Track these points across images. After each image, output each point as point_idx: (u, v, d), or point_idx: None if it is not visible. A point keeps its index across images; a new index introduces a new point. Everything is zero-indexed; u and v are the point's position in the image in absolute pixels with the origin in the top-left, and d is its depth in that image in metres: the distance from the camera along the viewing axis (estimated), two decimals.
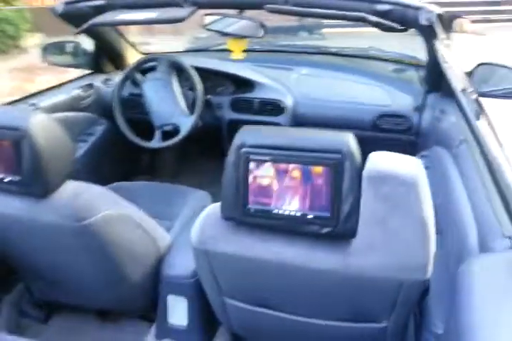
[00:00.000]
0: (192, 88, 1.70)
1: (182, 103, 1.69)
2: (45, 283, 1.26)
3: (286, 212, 0.75)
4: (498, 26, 8.35)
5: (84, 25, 1.36)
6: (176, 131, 1.69)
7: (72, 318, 1.38)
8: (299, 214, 0.75)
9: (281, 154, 0.73)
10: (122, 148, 1.78)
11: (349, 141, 0.72)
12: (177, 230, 1.41)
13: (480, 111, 1.16)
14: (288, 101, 1.72)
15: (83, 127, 1.82)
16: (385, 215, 0.71)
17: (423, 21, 1.08)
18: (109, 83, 1.92)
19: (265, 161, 0.74)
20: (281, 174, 0.74)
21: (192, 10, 1.24)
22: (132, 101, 1.85)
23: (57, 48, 1.92)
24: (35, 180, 0.91)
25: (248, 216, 0.78)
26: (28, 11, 6.67)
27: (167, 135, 1.72)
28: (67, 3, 1.42)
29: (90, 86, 1.86)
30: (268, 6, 1.18)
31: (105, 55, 1.92)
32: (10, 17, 6.45)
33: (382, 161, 0.72)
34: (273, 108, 1.72)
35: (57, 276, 1.20)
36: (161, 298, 1.15)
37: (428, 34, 1.20)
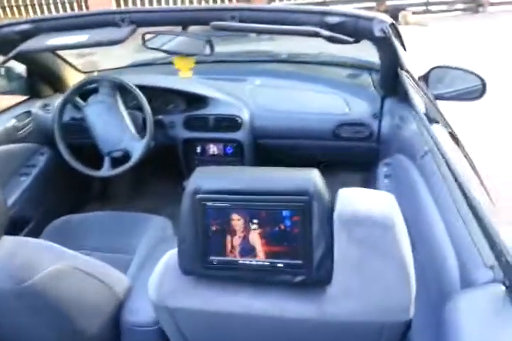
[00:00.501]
0: (139, 108, 1.59)
1: (130, 126, 1.57)
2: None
3: (254, 262, 0.67)
4: (438, 17, 8.65)
5: (10, 54, 1.22)
6: (126, 156, 1.57)
7: None
8: (267, 263, 0.67)
9: (241, 199, 0.65)
10: (69, 177, 1.65)
11: (315, 178, 0.65)
12: (136, 266, 1.31)
13: (438, 116, 1.13)
14: (244, 116, 1.64)
15: (23, 159, 1.68)
16: (360, 259, 0.64)
17: (377, 33, 1.03)
18: (48, 108, 1.77)
19: (224, 208, 0.66)
20: (244, 221, 0.66)
21: (131, 29, 1.14)
22: (75, 126, 1.71)
23: None
24: None
25: (210, 269, 0.69)
26: None
27: (117, 161, 1.61)
28: None
29: (28, 113, 1.71)
30: (214, 23, 1.09)
31: (41, 79, 1.77)
32: None
33: (353, 200, 0.66)
34: (229, 124, 1.64)
35: (7, 338, 1.07)
36: None
37: (383, 44, 1.15)
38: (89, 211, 2.03)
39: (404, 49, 1.25)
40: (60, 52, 1.78)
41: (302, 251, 0.65)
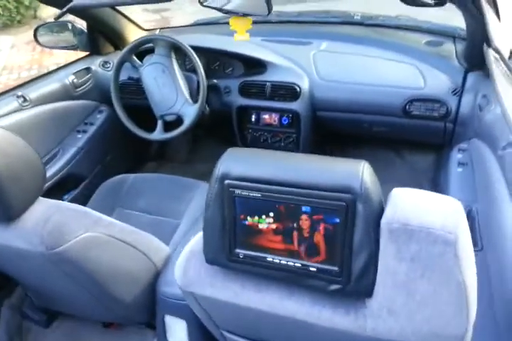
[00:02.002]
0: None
1: (185, 90, 1.50)
2: (40, 294, 1.19)
3: (284, 261, 0.59)
4: None
5: (64, 9, 1.17)
6: (179, 120, 1.52)
7: (75, 323, 1.32)
8: (299, 264, 0.59)
9: (274, 190, 0.56)
10: (127, 137, 1.64)
11: (364, 173, 0.54)
12: (182, 232, 1.30)
13: None
14: (304, 85, 1.51)
15: (81, 116, 1.69)
16: (410, 277, 0.54)
17: None
18: (107, 66, 1.75)
19: (255, 198, 0.58)
20: (275, 214, 0.57)
21: None
22: (132, 86, 1.68)
23: (51, 29, 1.76)
24: None
25: (235, 262, 0.63)
26: None
27: (171, 124, 1.56)
28: None
29: (87, 70, 1.70)
30: None
31: (102, 35, 1.74)
32: None
33: (408, 205, 0.54)
34: (287, 93, 1.52)
35: (50, 292, 1.11)
36: (158, 317, 1.04)
37: (470, 9, 0.96)
38: (145, 171, 2.06)
39: (498, 18, 1.04)
40: (133, 8, 1.73)
41: (340, 257, 0.56)
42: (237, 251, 0.61)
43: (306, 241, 0.57)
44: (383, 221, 0.53)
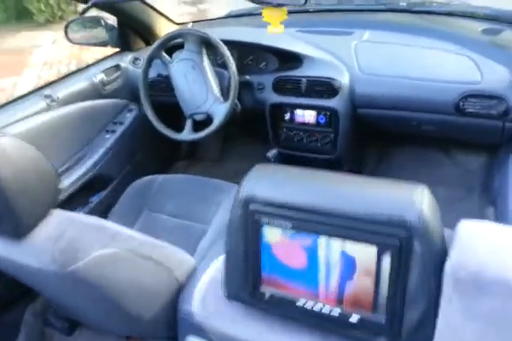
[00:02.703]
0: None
1: (215, 87, 1.42)
2: (61, 305, 1.14)
3: (317, 307, 0.50)
4: None
5: (88, 4, 1.11)
6: (209, 119, 1.44)
7: (97, 333, 1.27)
8: (336, 313, 0.49)
9: (310, 220, 0.46)
10: (157, 135, 1.56)
11: (423, 203, 0.43)
12: (209, 240, 1.23)
13: None
14: (344, 80, 1.38)
15: (110, 116, 1.63)
16: (481, 337, 0.42)
17: None
18: (138, 63, 1.69)
19: (285, 228, 0.48)
20: (309, 249, 0.48)
21: None
22: (162, 83, 1.61)
23: (82, 25, 1.71)
24: (5, 219, 0.73)
25: (261, 302, 0.53)
26: None
27: (200, 123, 1.49)
28: None
29: (117, 67, 1.65)
30: None
31: (132, 31, 1.67)
32: None
33: (480, 248, 0.42)
34: (325, 89, 1.40)
35: (67, 306, 1.06)
36: (180, 336, 0.96)
37: None
38: (176, 170, 2.00)
39: None
40: (170, 1, 1.66)
41: (389, 307, 0.46)
42: (262, 289, 0.52)
43: (347, 284, 0.47)
44: (447, 266, 0.42)
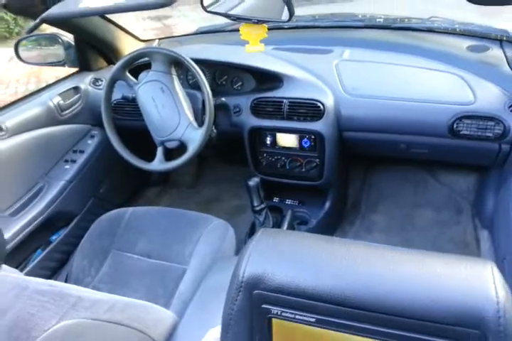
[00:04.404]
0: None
1: (188, 111, 1.28)
2: None
3: None
4: None
5: (37, 20, 0.96)
6: (183, 146, 1.30)
7: None
8: None
9: (339, 314, 0.33)
10: (124, 161, 1.41)
11: (498, 292, 0.31)
12: (188, 285, 1.08)
13: None
14: (328, 101, 1.28)
15: (69, 144, 1.47)
16: None
17: None
18: (99, 84, 1.53)
19: (306, 324, 0.35)
20: None
21: None
22: (127, 106, 1.47)
23: (36, 42, 1.55)
24: None
25: None
26: None
27: (172, 151, 1.34)
28: None
29: (76, 90, 1.49)
30: None
31: (92, 49, 1.52)
32: None
33: None
34: (308, 111, 1.29)
35: None
36: None
37: None
38: (147, 199, 1.85)
39: None
40: (133, 16, 1.52)
41: None
42: None
43: None
44: None
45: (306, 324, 0.34)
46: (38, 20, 0.96)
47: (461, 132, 1.17)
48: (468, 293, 0.32)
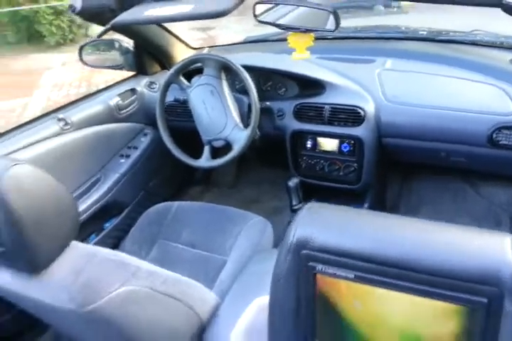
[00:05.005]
0: (247, 91, 1.38)
1: (235, 113, 1.37)
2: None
3: None
4: None
5: (107, 26, 1.07)
6: (228, 146, 1.38)
7: None
8: None
9: (376, 271, 0.40)
10: (173, 160, 1.51)
11: None
12: (228, 274, 1.16)
13: None
14: (369, 108, 1.33)
15: (125, 140, 1.59)
16: None
17: None
18: (153, 87, 1.65)
19: (345, 279, 0.41)
20: (373, 305, 0.41)
21: (237, 0, 0.91)
22: (179, 108, 1.58)
23: (95, 48, 1.69)
24: (20, 253, 0.66)
25: None
26: None
27: (219, 150, 1.43)
28: None
29: (133, 91, 1.61)
30: None
31: (148, 54, 1.65)
32: None
33: None
34: (349, 116, 1.35)
35: None
36: None
37: None
38: (190, 196, 1.95)
39: None
40: (179, 27, 1.65)
41: None
42: None
43: None
44: None
45: (346, 279, 0.41)
46: (108, 26, 1.08)
47: (500, 142, 1.20)
48: (489, 257, 0.38)
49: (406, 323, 0.40)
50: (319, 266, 0.42)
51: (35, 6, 6.41)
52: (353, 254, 0.41)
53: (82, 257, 0.72)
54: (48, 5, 6.50)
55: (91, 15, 1.20)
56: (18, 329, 1.18)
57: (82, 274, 0.69)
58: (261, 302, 0.58)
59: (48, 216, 0.67)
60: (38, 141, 1.25)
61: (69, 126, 1.34)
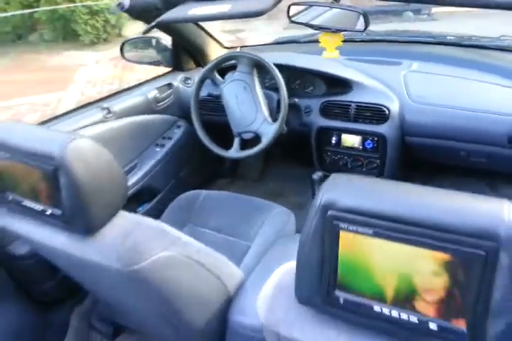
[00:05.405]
0: (276, 88, 1.46)
1: (264, 108, 1.45)
2: (110, 308, 1.18)
3: (395, 313, 0.49)
4: None
5: (152, 23, 1.17)
6: (256, 139, 1.47)
7: (140, 340, 1.29)
8: (414, 319, 0.49)
9: (390, 228, 0.47)
10: (203, 152, 1.62)
11: (510, 216, 0.43)
12: (252, 256, 1.24)
13: None
14: (394, 107, 1.39)
15: (160, 131, 1.69)
16: None
17: None
18: (188, 82, 1.76)
19: (365, 234, 0.49)
20: (389, 256, 0.48)
21: (274, 0, 0.99)
22: (212, 103, 1.67)
23: (135, 45, 1.80)
24: (77, 216, 0.75)
25: (334, 306, 0.53)
26: None
27: (247, 143, 1.52)
28: None
29: (169, 86, 1.72)
30: None
31: (185, 52, 1.75)
32: (112, 7, 6.73)
33: None
34: (374, 114, 1.41)
35: (120, 308, 1.08)
36: None
37: None
38: (217, 187, 2.04)
39: None
40: (210, 28, 1.74)
41: (471, 316, 0.45)
42: (337, 294, 0.52)
43: (427, 292, 0.47)
44: None
45: (366, 235, 0.48)
46: (154, 23, 1.17)
47: None
48: (489, 216, 0.44)
49: (410, 272, 0.47)
50: (343, 225, 0.50)
51: (71, 5, 6.65)
52: (372, 214, 0.48)
53: (129, 223, 0.80)
54: (84, 4, 6.74)
55: (137, 13, 1.30)
56: (60, 296, 1.28)
57: (129, 238, 0.77)
58: (287, 266, 0.65)
59: (103, 185, 0.76)
60: (82, 127, 1.35)
61: (111, 115, 1.44)
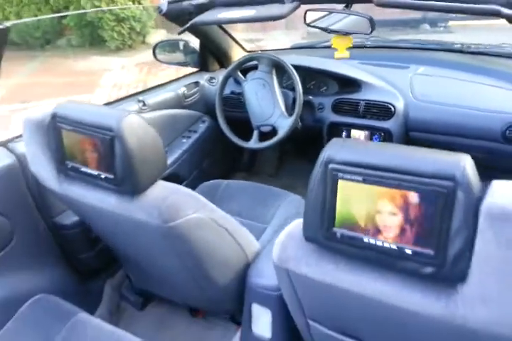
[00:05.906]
0: (293, 88, 1.62)
1: (281, 104, 1.61)
2: (141, 273, 1.31)
3: (379, 243, 0.64)
4: None
5: (187, 25, 1.35)
6: (274, 132, 1.62)
7: (166, 309, 1.44)
8: (394, 246, 0.63)
9: (376, 175, 0.61)
10: (223, 146, 1.77)
11: (465, 165, 0.57)
12: (268, 236, 1.37)
13: None
14: (399, 104, 1.54)
15: (187, 124, 1.86)
16: (506, 262, 0.55)
17: None
18: (213, 81, 1.93)
19: (357, 181, 0.63)
20: (375, 199, 0.62)
21: (294, 6, 1.15)
22: (233, 100, 1.84)
23: (168, 47, 1.98)
24: (127, 179, 0.90)
25: (333, 240, 0.68)
26: (153, 9, 7.15)
27: (265, 136, 1.67)
28: (170, 2, 1.43)
29: (196, 84, 1.89)
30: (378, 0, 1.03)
31: (211, 54, 1.93)
32: (137, 15, 7.01)
33: (507, 193, 0.56)
34: (381, 111, 1.56)
35: (151, 270, 1.23)
36: (246, 305, 1.10)
37: None
38: (236, 178, 2.19)
39: None
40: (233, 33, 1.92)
41: (436, 241, 0.59)
42: (335, 230, 0.67)
43: (404, 224, 0.61)
44: (482, 207, 0.55)
45: (357, 181, 0.63)
46: (187, 25, 1.35)
47: None
48: (449, 162, 0.58)
49: (381, 207, 0.62)
50: (340, 174, 0.64)
51: (99, 9, 6.90)
52: (362, 165, 0.62)
53: (167, 189, 0.96)
54: (111, 8, 6.97)
55: (173, 16, 1.48)
56: (96, 266, 1.44)
57: (168, 199, 0.92)
58: (297, 221, 0.80)
59: (149, 154, 0.91)
60: None
61: (146, 107, 1.62)
